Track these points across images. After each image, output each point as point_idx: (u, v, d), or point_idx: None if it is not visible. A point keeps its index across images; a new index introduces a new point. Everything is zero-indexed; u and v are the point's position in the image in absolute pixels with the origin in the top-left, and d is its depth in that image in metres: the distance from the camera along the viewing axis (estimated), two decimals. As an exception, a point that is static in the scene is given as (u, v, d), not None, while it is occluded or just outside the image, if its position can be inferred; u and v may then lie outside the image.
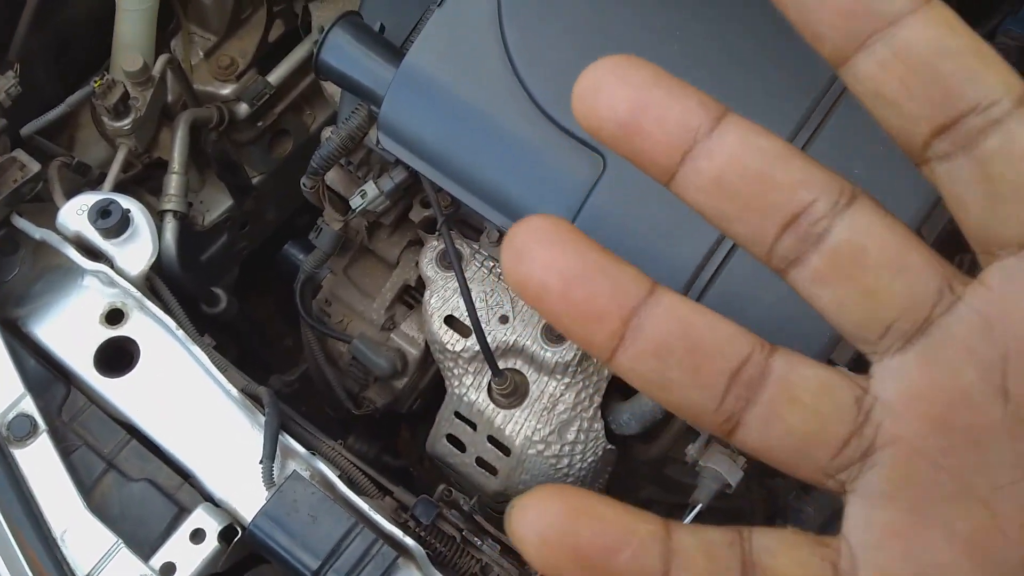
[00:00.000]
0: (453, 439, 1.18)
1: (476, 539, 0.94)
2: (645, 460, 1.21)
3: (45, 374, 1.01)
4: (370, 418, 1.36)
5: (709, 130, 0.26)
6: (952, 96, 0.24)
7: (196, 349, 1.00)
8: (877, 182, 0.84)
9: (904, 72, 0.24)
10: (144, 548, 0.92)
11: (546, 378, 1.12)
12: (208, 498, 0.96)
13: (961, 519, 0.25)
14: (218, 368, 0.99)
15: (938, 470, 0.25)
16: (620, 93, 0.26)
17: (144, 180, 1.35)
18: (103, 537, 0.91)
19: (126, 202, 1.03)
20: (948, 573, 0.25)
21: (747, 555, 0.27)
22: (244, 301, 1.44)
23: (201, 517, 0.93)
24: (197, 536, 0.92)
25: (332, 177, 1.20)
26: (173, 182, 1.26)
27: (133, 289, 1.01)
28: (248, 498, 0.94)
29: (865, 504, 0.26)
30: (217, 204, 1.42)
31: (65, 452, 0.96)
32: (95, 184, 1.26)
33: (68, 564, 0.90)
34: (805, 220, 0.26)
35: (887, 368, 0.26)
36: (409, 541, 0.89)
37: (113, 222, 1.01)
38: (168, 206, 1.25)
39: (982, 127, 0.24)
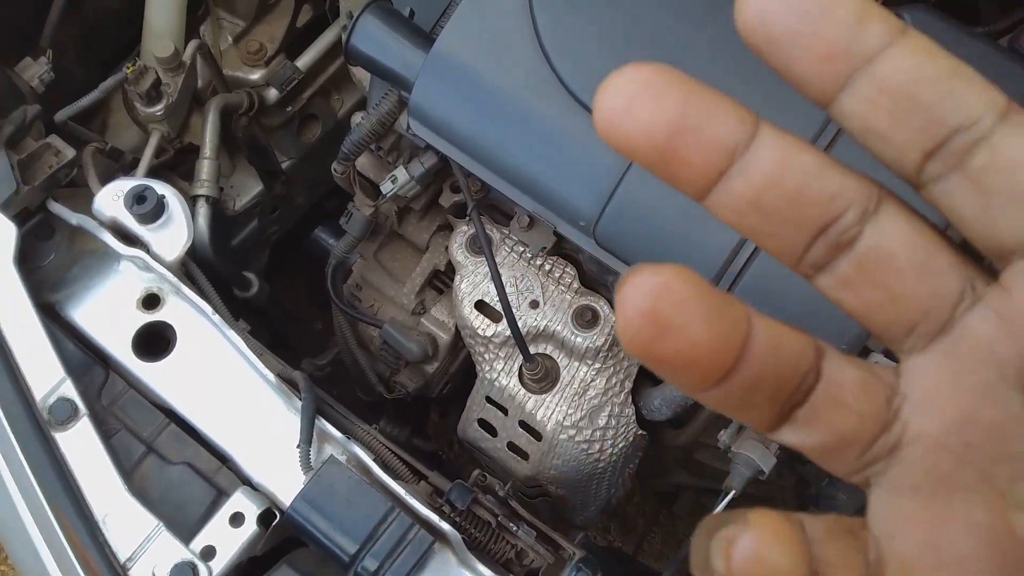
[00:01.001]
0: (484, 424, 1.19)
1: (512, 524, 0.95)
2: (676, 445, 1.22)
3: (84, 358, 1.03)
4: (400, 402, 1.38)
5: (745, 147, 0.26)
6: (936, 120, 0.25)
7: (232, 334, 1.02)
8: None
9: (889, 104, 0.25)
10: (184, 531, 0.94)
11: (577, 363, 1.13)
12: (246, 481, 0.98)
13: (981, 510, 0.26)
14: (254, 352, 1.01)
15: (961, 464, 0.26)
16: (656, 114, 0.25)
17: (176, 165, 1.37)
18: (144, 520, 0.93)
19: (161, 188, 1.05)
20: (967, 562, 0.26)
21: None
22: (273, 285, 1.46)
23: (240, 501, 0.95)
24: (236, 520, 0.94)
25: (362, 162, 1.21)
26: (205, 167, 1.28)
27: (169, 274, 1.03)
28: (286, 482, 0.96)
29: (889, 496, 0.27)
30: (247, 189, 1.44)
31: (106, 435, 0.98)
32: (127, 169, 1.28)
33: (110, 547, 0.93)
34: (835, 229, 0.26)
35: (913, 366, 0.27)
36: (445, 526, 0.91)
37: (149, 208, 1.02)
38: (200, 191, 1.26)
39: (969, 145, 0.25)
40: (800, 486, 1.29)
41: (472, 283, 1.16)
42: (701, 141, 0.25)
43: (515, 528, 0.95)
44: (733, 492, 1.03)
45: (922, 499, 0.26)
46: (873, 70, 0.25)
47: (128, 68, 1.19)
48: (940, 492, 0.26)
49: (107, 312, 1.05)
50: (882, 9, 0.26)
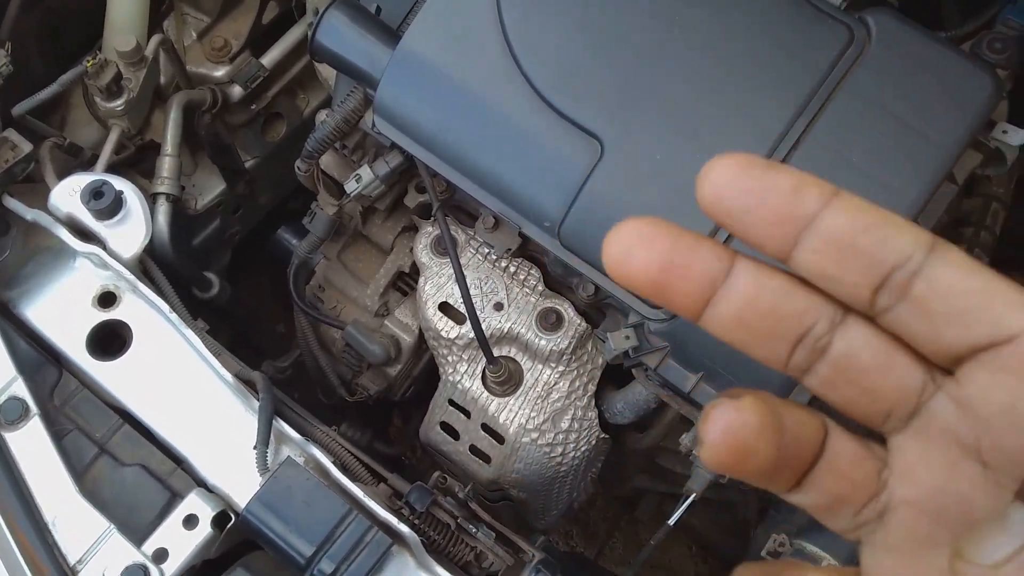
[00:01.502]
0: (447, 427, 1.18)
1: (471, 526, 0.94)
2: (638, 449, 1.21)
3: (36, 357, 1.01)
4: (362, 405, 1.36)
5: (726, 276, 0.32)
6: (876, 262, 0.31)
7: (189, 333, 1.00)
8: (875, 170, 0.84)
9: (835, 254, 0.31)
10: (136, 533, 0.92)
11: (540, 366, 1.12)
12: (201, 483, 0.96)
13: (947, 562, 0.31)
14: (212, 352, 0.99)
15: (935, 526, 0.32)
16: (649, 256, 0.32)
17: (136, 163, 1.34)
18: (95, 522, 0.91)
19: (119, 183, 1.03)
20: None
21: None
22: (235, 285, 1.44)
23: (194, 502, 0.93)
24: (190, 522, 0.92)
25: (327, 161, 1.20)
26: (166, 164, 1.25)
27: (126, 272, 1.01)
28: (241, 484, 0.94)
29: (878, 551, 0.33)
30: (210, 188, 1.42)
31: (57, 436, 0.96)
32: (87, 165, 1.25)
33: (59, 549, 0.90)
34: (810, 339, 0.32)
35: (896, 444, 0.33)
36: (404, 528, 0.90)
37: (106, 203, 1.00)
38: (161, 189, 1.24)
39: (907, 278, 0.30)
40: (762, 490, 1.29)
41: (436, 285, 1.15)
42: (687, 274, 0.32)
43: (474, 530, 0.93)
44: (694, 495, 1.03)
45: (904, 555, 0.32)
46: (816, 227, 0.31)
47: (88, 61, 1.17)
48: (918, 550, 0.32)
49: (61, 310, 1.03)
50: (814, 177, 0.31)
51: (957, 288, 0.30)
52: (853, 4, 0.90)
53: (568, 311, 1.11)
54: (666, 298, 0.32)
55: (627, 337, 0.95)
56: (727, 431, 0.31)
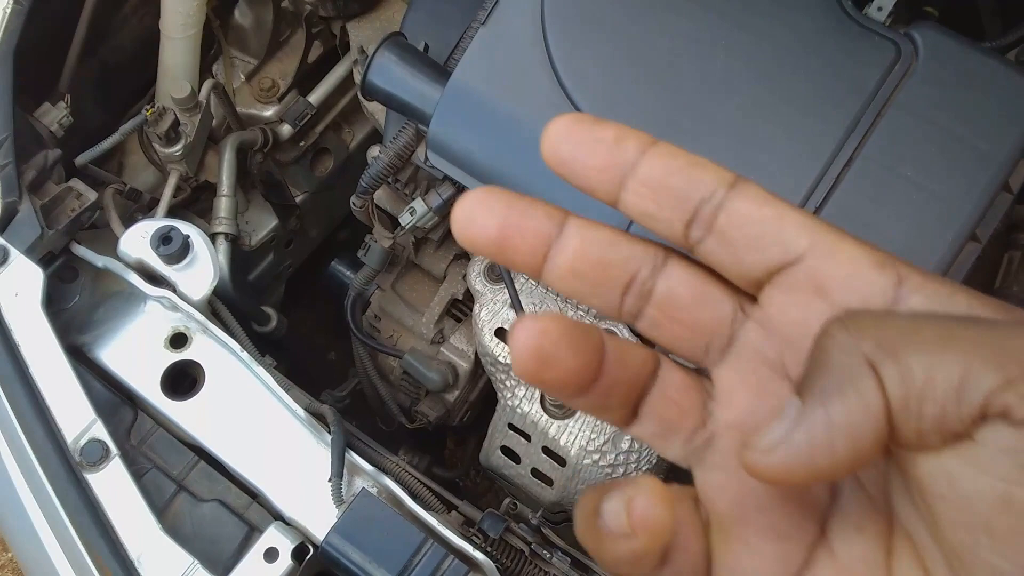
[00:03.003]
0: (507, 451, 1.20)
1: (545, 552, 0.96)
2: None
3: (113, 399, 1.05)
4: (418, 431, 1.39)
5: (558, 234, 0.35)
6: (685, 199, 0.34)
7: (260, 370, 1.03)
8: (930, 183, 0.86)
9: (650, 194, 0.34)
10: (219, 567, 0.95)
11: (599, 387, 1.14)
12: (278, 517, 0.99)
13: None
14: (282, 387, 1.02)
15: None
16: (487, 220, 0.35)
17: (191, 203, 1.39)
18: (179, 557, 0.94)
19: (186, 228, 1.07)
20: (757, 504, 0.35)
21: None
22: (289, 317, 1.48)
23: (273, 536, 0.96)
24: (271, 555, 0.95)
25: (380, 195, 1.23)
26: (223, 205, 1.30)
27: (196, 313, 1.05)
28: (318, 516, 0.97)
29: (707, 472, 0.35)
30: (263, 224, 1.46)
31: (137, 475, 0.99)
32: (146, 209, 1.30)
33: (146, 585, 0.93)
34: (636, 284, 0.36)
35: (717, 375, 0.36)
36: (479, 555, 0.92)
37: (175, 248, 1.04)
38: (219, 229, 1.28)
39: (712, 212, 0.34)
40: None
41: (491, 311, 1.17)
42: (523, 234, 0.35)
43: (549, 556, 0.95)
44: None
45: (730, 471, 0.35)
46: (636, 173, 0.34)
47: (147, 110, 1.21)
48: (739, 464, 0.34)
49: (134, 352, 1.07)
50: (635, 131, 0.35)
51: (752, 217, 0.34)
52: (896, 19, 0.92)
53: (624, 333, 1.13)
54: (507, 257, 0.35)
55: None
56: (528, 337, 0.33)
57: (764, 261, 0.34)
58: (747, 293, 0.36)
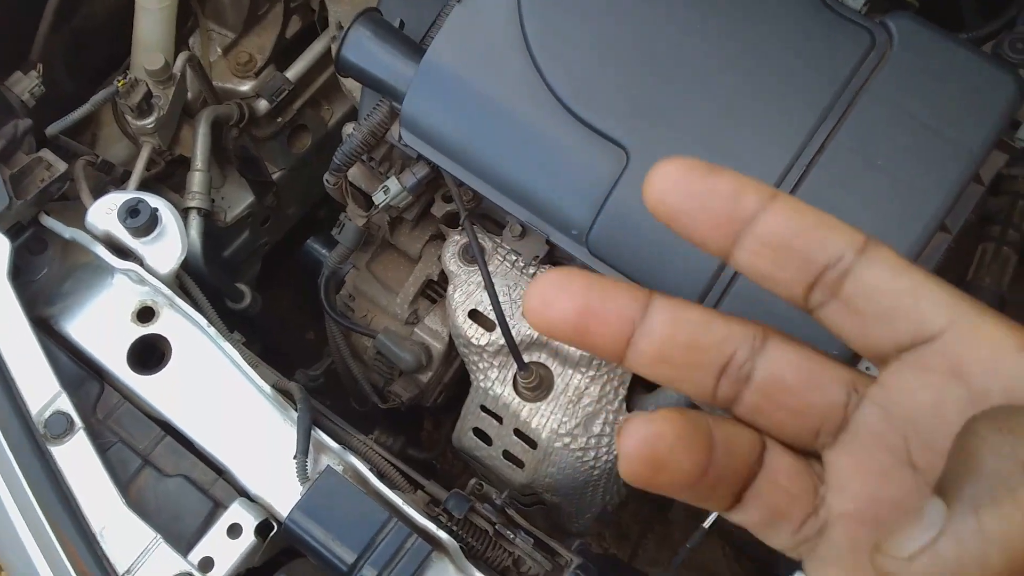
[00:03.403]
0: (479, 432, 1.21)
1: (509, 532, 0.97)
2: (670, 450, 1.23)
3: (79, 372, 1.04)
4: (393, 412, 1.39)
5: (642, 316, 0.33)
6: (809, 261, 0.32)
7: (227, 345, 1.03)
8: (901, 173, 0.86)
9: (771, 254, 0.32)
10: (182, 543, 0.95)
11: (571, 371, 1.15)
12: (243, 493, 0.99)
13: None
14: (249, 364, 1.02)
15: (875, 534, 0.32)
16: (566, 304, 0.33)
17: (166, 177, 1.38)
18: (142, 532, 0.94)
19: (155, 201, 1.06)
20: None
21: None
22: (264, 295, 1.47)
23: (237, 512, 0.96)
24: (234, 531, 0.95)
25: (354, 173, 1.23)
26: (196, 179, 1.29)
27: (163, 287, 1.04)
28: (282, 493, 0.98)
29: (820, 566, 0.33)
30: (239, 200, 1.45)
31: (102, 448, 0.99)
32: (118, 182, 1.29)
33: (108, 560, 0.93)
34: (732, 367, 0.33)
35: (829, 459, 0.34)
36: (443, 535, 0.92)
37: (142, 221, 1.04)
38: (192, 203, 1.28)
39: (838, 277, 0.32)
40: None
41: (465, 292, 1.17)
42: (604, 318, 0.33)
43: (512, 536, 0.96)
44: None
45: (846, 566, 0.33)
46: (755, 229, 0.32)
47: (119, 81, 1.20)
48: (859, 559, 0.33)
49: (101, 325, 1.06)
50: (755, 181, 0.33)
51: (884, 287, 0.31)
52: (874, 8, 0.92)
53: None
54: (588, 342, 0.33)
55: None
56: (641, 443, 0.31)
57: (894, 336, 0.31)
58: (859, 372, 0.33)
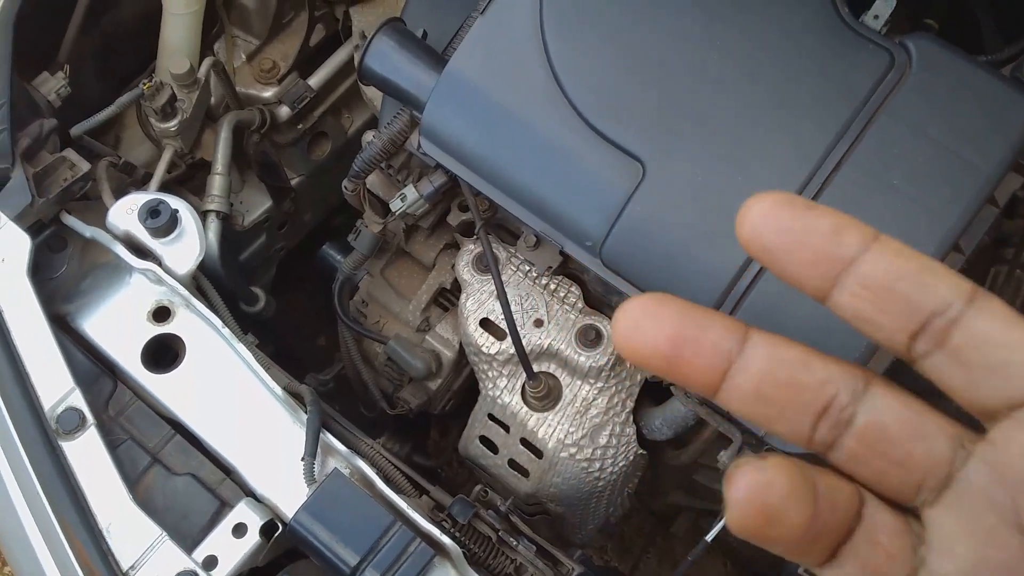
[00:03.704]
0: (486, 440, 1.20)
1: (512, 539, 0.96)
2: (675, 466, 1.22)
3: (93, 368, 1.04)
4: (401, 418, 1.39)
5: (739, 350, 0.31)
6: (915, 308, 0.30)
7: (240, 347, 1.02)
8: (916, 193, 0.85)
9: (873, 298, 0.30)
10: (187, 541, 0.95)
11: (579, 382, 1.14)
12: (249, 493, 0.98)
13: None
14: (262, 366, 1.02)
15: None
16: (658, 331, 0.31)
17: (186, 180, 1.38)
18: (148, 529, 0.94)
19: (175, 202, 1.06)
20: None
21: None
22: (280, 299, 1.47)
23: (243, 512, 0.95)
24: (239, 530, 0.94)
25: (372, 180, 1.23)
26: (216, 183, 1.29)
27: (180, 287, 1.04)
28: (289, 494, 0.97)
29: None
30: (257, 205, 1.45)
31: (112, 445, 0.98)
32: (140, 183, 1.29)
33: (113, 555, 0.93)
34: (833, 410, 0.31)
35: (930, 518, 0.31)
36: (446, 540, 0.91)
37: (162, 222, 1.04)
38: (211, 206, 1.28)
39: (945, 327, 0.30)
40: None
41: (478, 301, 1.17)
42: (699, 348, 0.31)
43: (515, 543, 0.95)
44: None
45: None
46: (856, 270, 0.30)
47: (145, 84, 1.21)
48: None
49: (117, 324, 1.06)
50: (856, 220, 0.31)
51: (996, 340, 0.29)
52: (894, 29, 0.91)
53: (607, 328, 1.12)
54: (679, 373, 0.32)
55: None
56: (753, 492, 0.30)
57: (1006, 392, 0.29)
58: (969, 425, 0.32)
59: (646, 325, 0.31)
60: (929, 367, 0.31)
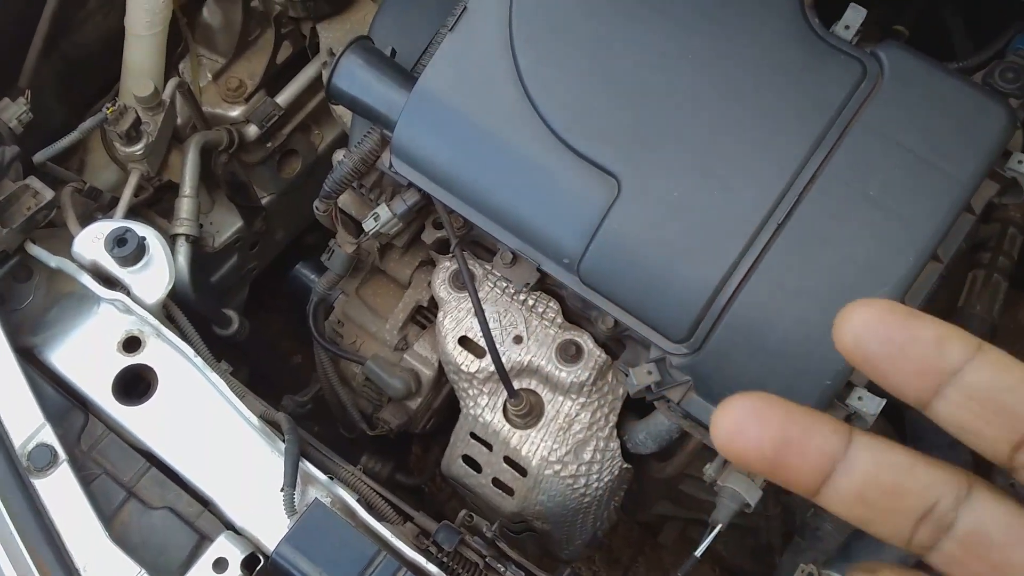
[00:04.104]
0: (469, 460, 1.18)
1: (499, 565, 0.94)
2: (661, 478, 1.21)
3: (63, 402, 1.01)
4: (382, 437, 1.37)
5: (844, 453, 0.31)
6: (1019, 420, 0.30)
7: (214, 376, 1.00)
8: (893, 203, 0.84)
9: (977, 409, 0.30)
10: (166, 577, 0.92)
11: (561, 398, 1.12)
12: (229, 526, 0.96)
13: None
14: (236, 394, 0.99)
15: None
16: (762, 434, 0.31)
17: (154, 203, 1.35)
18: (125, 567, 0.91)
19: (142, 230, 1.04)
20: None
21: None
22: (252, 319, 1.45)
23: (223, 545, 0.93)
24: (220, 565, 0.92)
25: (345, 200, 1.21)
26: (185, 206, 1.26)
27: (150, 317, 1.02)
28: (269, 526, 0.95)
29: None
30: (227, 225, 1.43)
31: (86, 481, 0.96)
32: (106, 208, 1.26)
33: (91, 595, 0.90)
34: (935, 515, 0.31)
35: None
36: (432, 568, 0.90)
37: (129, 250, 1.01)
38: (180, 230, 1.25)
39: None
40: (786, 515, 1.28)
41: (455, 319, 1.15)
42: (805, 451, 0.31)
43: (503, 569, 0.93)
44: (719, 527, 1.02)
45: None
46: (960, 381, 0.30)
47: (108, 108, 1.18)
48: None
49: (86, 355, 1.03)
50: (959, 330, 0.31)
51: None
52: (865, 38, 0.91)
53: (588, 343, 1.11)
54: (782, 475, 0.32)
55: (649, 372, 0.95)
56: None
57: None
58: None
59: (750, 427, 0.32)
60: None
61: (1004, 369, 0.31)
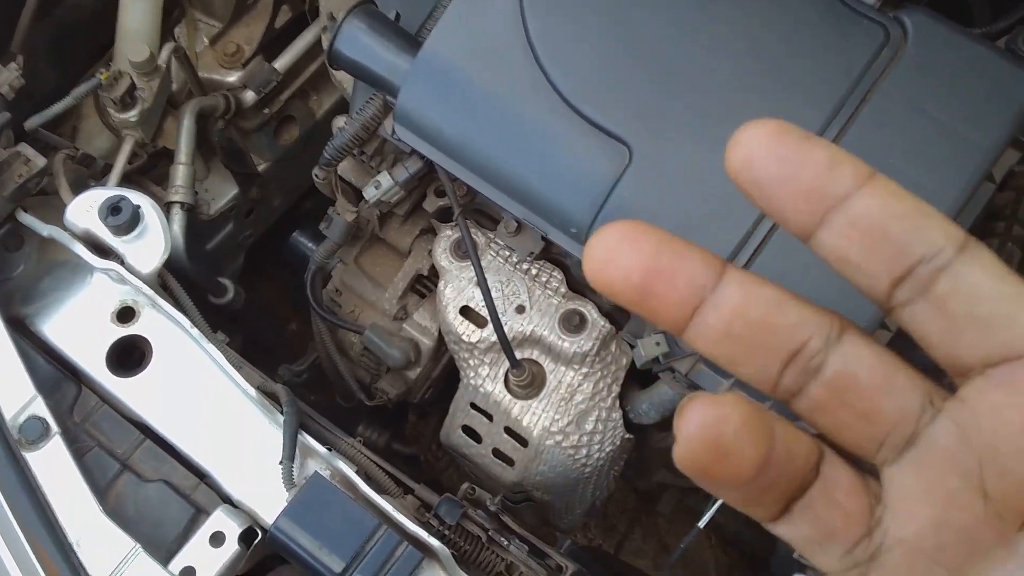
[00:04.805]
0: (469, 430, 1.13)
1: (502, 538, 0.89)
2: (662, 448, 1.16)
3: (55, 374, 0.95)
4: (380, 406, 1.31)
5: (713, 286, 0.28)
6: (903, 252, 0.27)
7: (210, 346, 0.94)
8: (914, 171, 0.79)
9: (861, 238, 0.27)
10: (162, 552, 0.87)
11: (564, 368, 1.07)
12: (226, 499, 0.90)
13: None
14: (233, 365, 0.93)
15: (934, 564, 0.28)
16: (632, 260, 0.28)
17: (148, 169, 1.28)
18: (120, 541, 0.86)
19: (136, 198, 0.97)
20: None
21: None
22: (247, 286, 1.38)
23: (220, 519, 0.87)
24: (216, 539, 0.86)
25: (345, 167, 1.14)
26: (180, 173, 1.19)
27: (144, 287, 0.95)
28: (267, 499, 0.89)
29: None
30: (223, 193, 1.36)
31: (79, 453, 0.90)
32: (100, 176, 1.19)
33: (85, 570, 0.85)
34: (803, 356, 0.29)
35: (889, 476, 0.29)
36: (434, 541, 0.84)
37: (124, 219, 0.94)
38: (175, 197, 1.18)
39: (932, 274, 0.27)
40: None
41: (457, 288, 1.09)
42: (673, 280, 0.28)
43: (506, 543, 0.88)
44: (721, 499, 0.97)
45: None
46: (846, 208, 0.27)
47: (102, 73, 1.10)
48: None
49: (79, 326, 0.97)
50: (852, 156, 0.28)
51: (984, 291, 0.27)
52: (887, 3, 0.84)
53: (592, 313, 1.05)
54: (648, 306, 0.29)
55: (657, 343, 0.90)
56: (705, 426, 0.27)
57: (985, 347, 0.27)
58: (937, 384, 0.29)
59: (621, 253, 0.28)
60: (908, 316, 0.28)
61: (894, 198, 0.27)
